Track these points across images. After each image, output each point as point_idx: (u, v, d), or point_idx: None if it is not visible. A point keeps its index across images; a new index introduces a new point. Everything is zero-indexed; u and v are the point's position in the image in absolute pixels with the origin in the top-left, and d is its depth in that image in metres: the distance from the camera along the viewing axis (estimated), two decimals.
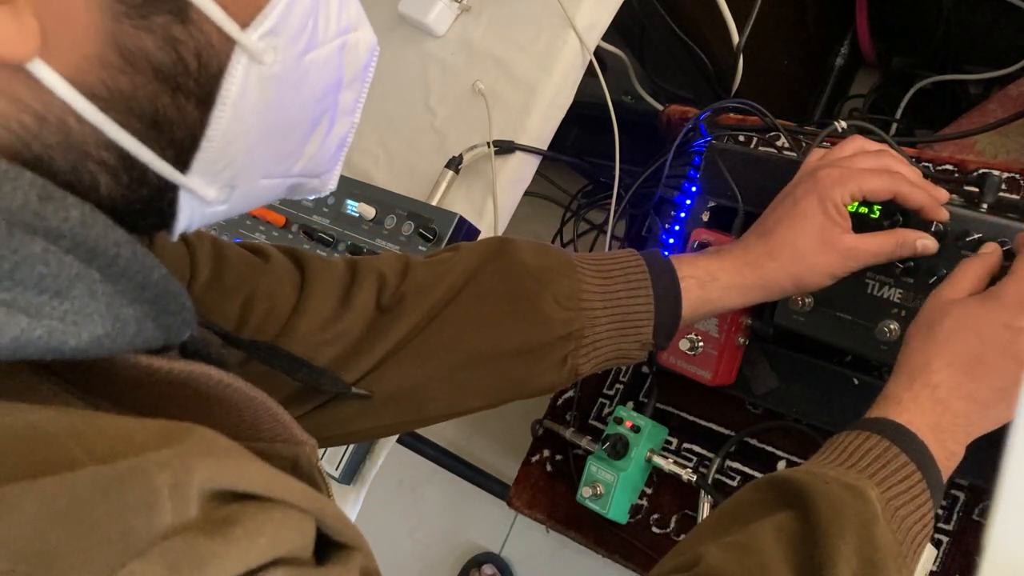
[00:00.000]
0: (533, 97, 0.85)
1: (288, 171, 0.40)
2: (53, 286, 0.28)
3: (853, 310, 0.66)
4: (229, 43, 0.32)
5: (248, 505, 0.27)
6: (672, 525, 0.80)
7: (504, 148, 0.84)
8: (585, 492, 0.80)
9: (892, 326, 0.63)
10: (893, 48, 1.34)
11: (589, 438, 0.84)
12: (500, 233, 0.85)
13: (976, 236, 0.61)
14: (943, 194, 0.62)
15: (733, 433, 0.79)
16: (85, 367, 0.31)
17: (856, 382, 0.70)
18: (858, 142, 0.64)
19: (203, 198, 0.35)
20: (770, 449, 0.77)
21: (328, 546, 0.31)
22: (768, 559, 0.44)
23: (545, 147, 0.87)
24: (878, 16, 1.28)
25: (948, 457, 0.52)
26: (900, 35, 1.30)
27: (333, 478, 0.81)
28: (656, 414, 0.83)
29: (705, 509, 0.77)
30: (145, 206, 0.34)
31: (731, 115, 0.85)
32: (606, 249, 0.89)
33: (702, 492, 0.77)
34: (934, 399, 0.53)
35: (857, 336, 0.66)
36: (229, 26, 0.32)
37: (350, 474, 0.82)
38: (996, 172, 0.68)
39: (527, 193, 0.89)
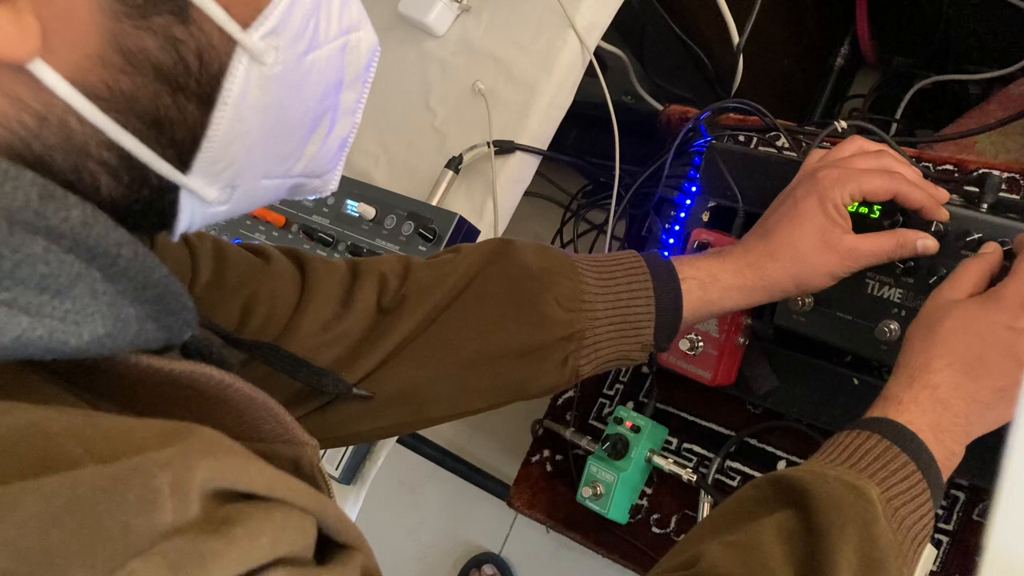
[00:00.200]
0: (533, 97, 0.85)
1: (289, 171, 0.39)
2: (54, 286, 0.28)
3: (853, 310, 0.66)
4: (230, 43, 0.32)
5: (249, 505, 0.27)
6: (672, 525, 0.80)
7: (504, 148, 0.84)
8: (585, 492, 0.80)
9: (892, 326, 0.63)
10: (893, 48, 1.34)
11: (589, 438, 0.84)
12: (500, 233, 0.85)
13: (976, 236, 0.61)
14: (943, 194, 0.62)
15: (733, 433, 0.79)
16: (86, 367, 0.31)
17: (856, 382, 0.70)
18: (858, 142, 0.64)
19: (204, 198, 0.35)
20: (770, 449, 0.77)
21: (329, 546, 0.31)
22: (769, 558, 0.44)
23: (545, 147, 0.87)
24: (878, 16, 1.28)
25: (948, 457, 0.52)
26: (900, 35, 1.30)
27: (333, 478, 0.81)
28: (656, 414, 0.83)
29: (705, 509, 0.77)
30: (146, 206, 0.34)
31: (731, 115, 0.85)
32: (606, 249, 0.89)
33: (702, 492, 0.77)
34: (934, 399, 0.53)
35: (857, 336, 0.66)
36: (230, 26, 0.32)
37: (350, 474, 0.82)
38: (996, 172, 0.68)
39: (527, 193, 0.89)
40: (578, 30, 0.84)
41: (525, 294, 0.58)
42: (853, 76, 1.43)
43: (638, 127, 0.93)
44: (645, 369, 0.85)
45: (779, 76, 1.27)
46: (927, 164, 0.73)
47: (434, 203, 0.85)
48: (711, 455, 0.80)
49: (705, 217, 0.79)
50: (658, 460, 0.79)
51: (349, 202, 0.86)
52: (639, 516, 0.81)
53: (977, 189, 0.68)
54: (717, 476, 0.78)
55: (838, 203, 0.60)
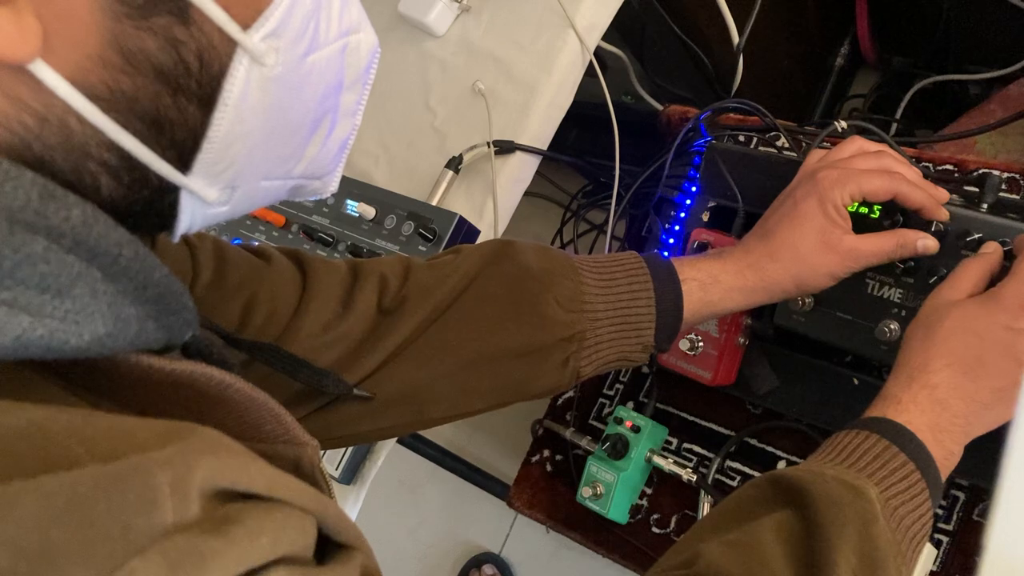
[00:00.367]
0: (533, 97, 0.85)
1: (289, 173, 0.39)
2: (54, 285, 0.28)
3: (853, 310, 0.66)
4: (231, 44, 0.32)
5: (250, 504, 0.27)
6: (672, 525, 0.80)
7: (504, 148, 0.84)
8: (585, 492, 0.80)
9: (892, 326, 0.63)
10: (893, 48, 1.34)
11: (589, 438, 0.84)
12: (500, 233, 0.85)
13: (976, 236, 0.61)
14: (943, 194, 0.62)
15: (733, 433, 0.79)
16: (87, 367, 0.31)
17: (856, 382, 0.70)
18: (857, 143, 0.64)
19: (204, 199, 0.35)
20: (770, 449, 0.77)
21: (329, 546, 0.31)
22: (768, 557, 0.44)
23: (545, 147, 0.87)
24: (878, 16, 1.28)
25: (947, 457, 0.52)
26: (900, 35, 1.30)
27: (333, 478, 0.81)
28: (656, 414, 0.83)
29: (705, 509, 0.77)
30: (146, 207, 0.34)
31: (731, 115, 0.85)
32: (606, 249, 0.89)
33: (702, 492, 0.77)
34: (933, 399, 0.53)
35: (857, 336, 0.66)
36: (230, 27, 0.32)
37: (350, 474, 0.82)
38: (996, 172, 0.68)
39: (527, 193, 0.89)
40: (578, 30, 0.84)
41: (526, 295, 0.58)
42: (853, 76, 1.43)
43: (638, 127, 0.93)
44: (645, 369, 0.85)
45: (779, 76, 1.27)
46: (927, 164, 0.73)
47: (434, 203, 0.85)
48: (711, 455, 0.80)
49: (705, 217, 0.79)
50: (658, 460, 0.79)
51: (349, 202, 0.86)
52: (639, 516, 0.81)
53: (977, 189, 0.68)
54: (717, 476, 0.78)
55: (838, 204, 0.60)
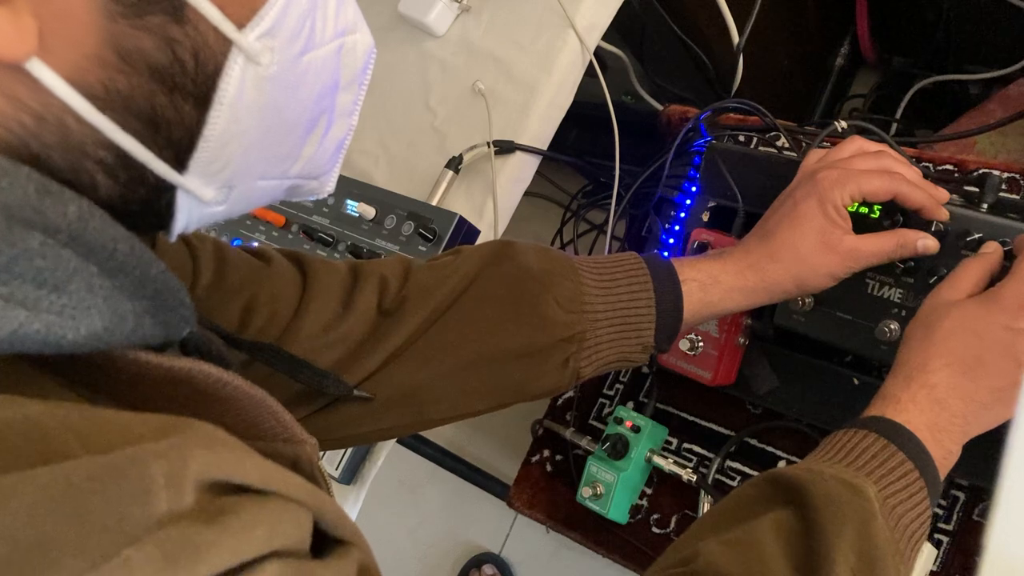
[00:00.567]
0: (533, 97, 0.85)
1: (286, 172, 0.40)
2: (51, 280, 0.28)
3: (853, 310, 0.66)
4: (226, 43, 0.32)
5: (245, 497, 0.27)
6: (672, 525, 0.80)
7: (504, 148, 0.84)
8: (585, 492, 0.80)
9: (892, 326, 0.63)
10: (893, 48, 1.34)
11: (589, 438, 0.84)
12: (500, 233, 0.85)
13: (976, 236, 0.61)
14: (943, 194, 0.62)
15: (733, 433, 0.79)
16: (85, 363, 0.31)
17: (856, 382, 0.70)
18: (857, 143, 0.64)
19: (201, 198, 0.35)
20: (770, 449, 0.77)
21: (326, 542, 0.31)
22: (766, 555, 0.44)
23: (545, 147, 0.87)
24: (878, 16, 1.28)
25: (945, 456, 0.52)
26: (900, 35, 1.30)
27: (333, 478, 0.81)
28: (656, 414, 0.83)
29: (705, 509, 0.77)
30: (143, 206, 0.34)
31: (731, 115, 0.85)
32: (606, 249, 0.89)
33: (702, 492, 0.77)
34: (931, 399, 0.53)
35: (857, 336, 0.66)
36: (226, 26, 0.32)
37: (350, 474, 0.82)
38: (996, 172, 0.68)
39: (527, 193, 0.89)
40: (578, 30, 0.84)
41: (525, 295, 0.58)
42: (853, 76, 1.43)
43: (638, 127, 0.93)
44: (645, 369, 0.85)
45: (779, 76, 1.27)
46: (927, 164, 0.73)
47: (434, 203, 0.85)
48: (711, 455, 0.80)
49: (705, 217, 0.79)
50: (658, 460, 0.79)
51: (349, 202, 0.86)
52: (639, 516, 0.81)
53: (977, 189, 0.68)
54: (717, 476, 0.78)
55: (838, 204, 0.60)
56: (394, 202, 0.84)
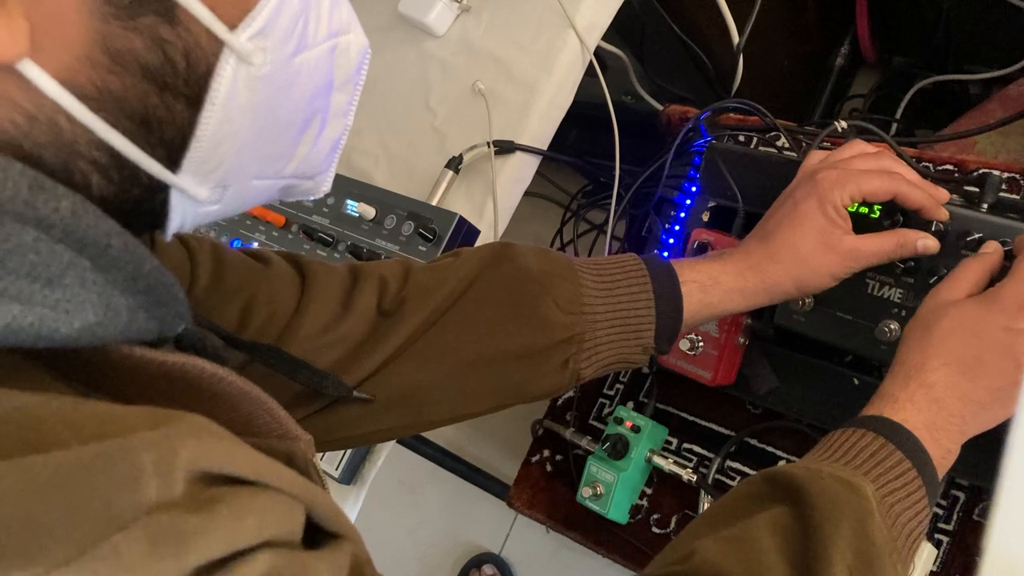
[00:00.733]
0: (533, 97, 0.85)
1: (280, 172, 0.40)
2: (44, 274, 0.28)
3: (853, 310, 0.66)
4: (217, 44, 0.33)
5: (235, 488, 0.27)
6: (672, 525, 0.80)
7: (504, 148, 0.84)
8: (585, 492, 0.80)
9: (892, 326, 0.63)
10: (893, 48, 1.34)
11: (589, 438, 0.84)
12: (500, 233, 0.85)
13: (977, 236, 0.61)
14: (943, 194, 0.62)
15: (733, 433, 0.79)
16: (79, 357, 0.31)
17: (856, 382, 0.70)
18: (858, 145, 0.64)
19: (194, 198, 0.35)
20: (770, 449, 0.77)
21: (319, 535, 0.32)
22: (763, 553, 0.44)
23: (545, 147, 0.87)
24: (878, 16, 1.28)
25: (944, 455, 0.52)
26: (900, 35, 1.30)
27: (333, 478, 0.81)
28: (656, 414, 0.83)
29: (704, 509, 0.77)
30: (137, 205, 0.34)
31: (731, 115, 0.85)
32: (606, 249, 0.89)
33: (702, 492, 0.77)
34: (930, 398, 0.53)
35: (857, 336, 0.66)
36: (217, 27, 0.32)
37: (350, 474, 0.82)
38: (996, 172, 0.68)
39: (527, 193, 0.89)
40: (578, 30, 0.84)
41: (525, 297, 0.58)
42: (853, 76, 1.43)
43: (638, 127, 0.93)
44: (645, 369, 0.85)
45: (779, 76, 1.27)
46: (927, 164, 0.73)
47: (434, 203, 0.85)
48: (711, 455, 0.80)
49: (705, 217, 0.79)
50: (658, 460, 0.79)
51: (349, 202, 0.86)
52: (639, 516, 0.81)
53: (977, 189, 0.68)
54: (717, 476, 0.78)
55: (838, 204, 0.60)
56: (394, 202, 0.84)
